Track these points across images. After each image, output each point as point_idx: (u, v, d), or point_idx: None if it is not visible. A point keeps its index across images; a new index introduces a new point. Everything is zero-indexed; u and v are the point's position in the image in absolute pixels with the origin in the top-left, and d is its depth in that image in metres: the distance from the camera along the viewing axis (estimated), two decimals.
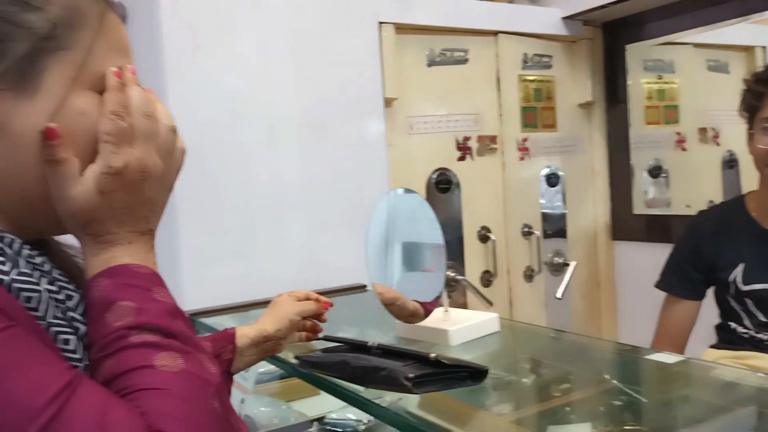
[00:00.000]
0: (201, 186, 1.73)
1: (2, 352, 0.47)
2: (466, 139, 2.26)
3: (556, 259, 2.45)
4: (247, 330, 1.01)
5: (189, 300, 1.66)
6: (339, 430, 1.47)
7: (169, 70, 1.69)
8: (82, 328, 0.56)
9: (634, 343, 1.98)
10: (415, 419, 0.97)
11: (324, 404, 1.59)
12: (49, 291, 0.55)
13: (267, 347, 1.03)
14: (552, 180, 2.46)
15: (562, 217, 2.50)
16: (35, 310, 0.53)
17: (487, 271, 2.29)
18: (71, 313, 0.56)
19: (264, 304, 1.74)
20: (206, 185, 1.74)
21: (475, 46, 2.27)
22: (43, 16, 0.56)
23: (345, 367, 0.93)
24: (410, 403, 1.00)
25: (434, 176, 2.20)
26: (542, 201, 2.45)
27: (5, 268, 0.52)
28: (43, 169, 0.56)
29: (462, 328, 1.25)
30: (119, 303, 0.55)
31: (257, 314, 1.68)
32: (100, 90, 0.59)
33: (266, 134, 1.85)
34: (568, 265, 2.36)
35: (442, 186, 2.20)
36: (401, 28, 2.09)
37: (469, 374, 0.90)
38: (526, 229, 2.38)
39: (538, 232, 2.38)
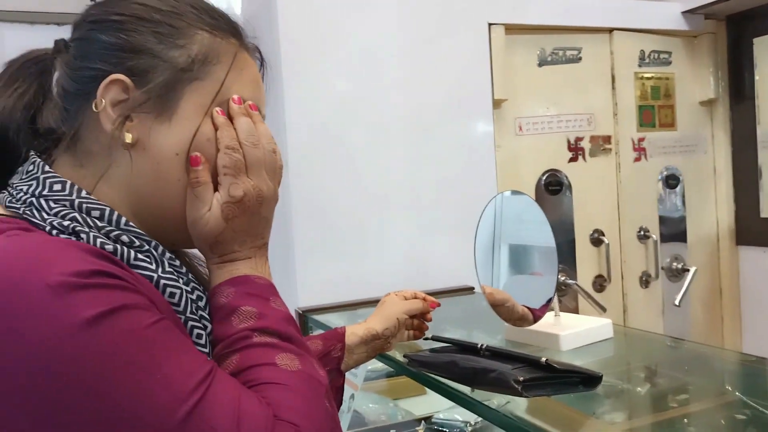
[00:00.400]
0: (313, 187, 1.79)
1: (160, 339, 0.52)
2: (578, 139, 2.20)
3: (674, 264, 2.34)
4: (356, 329, 1.03)
5: (301, 298, 1.72)
6: (446, 430, 1.48)
7: (286, 77, 1.77)
8: (209, 326, 0.63)
9: (759, 354, 1.86)
10: (523, 423, 0.97)
11: (430, 404, 1.61)
12: (186, 291, 0.61)
13: (376, 345, 1.04)
14: (671, 181, 2.35)
15: (682, 220, 2.38)
16: (177, 305, 0.59)
17: (599, 276, 2.22)
18: (201, 312, 0.63)
19: (372, 303, 1.78)
20: (318, 186, 1.80)
21: (589, 44, 2.21)
22: (185, 53, 0.64)
23: (454, 367, 0.93)
24: (518, 406, 0.99)
25: (544, 178, 2.16)
26: (660, 204, 2.34)
27: (153, 266, 0.59)
28: (178, 187, 0.63)
29: (573, 333, 1.22)
30: (243, 308, 0.62)
31: (365, 313, 1.72)
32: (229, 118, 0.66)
33: (376, 136, 1.89)
34: (687, 270, 2.25)
35: (552, 188, 2.16)
36: (511, 29, 2.07)
37: (582, 380, 0.88)
38: (642, 233, 2.28)
39: (655, 236, 2.28)
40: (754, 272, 2.39)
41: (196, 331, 0.60)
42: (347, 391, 1.54)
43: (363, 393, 1.72)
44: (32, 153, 0.63)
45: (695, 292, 2.38)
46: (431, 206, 1.94)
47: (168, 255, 0.62)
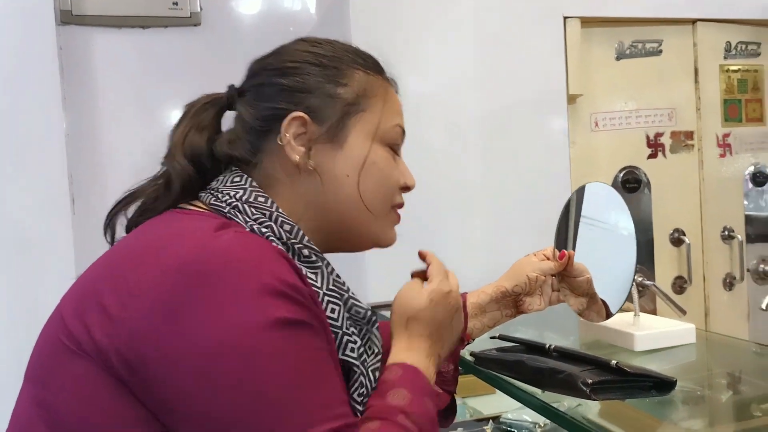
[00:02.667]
0: None
1: (320, 364, 0.62)
2: (658, 135, 2.13)
3: (761, 266, 2.23)
4: (485, 288, 1.01)
5: (371, 292, 1.73)
6: (514, 430, 1.46)
7: None
8: (358, 341, 0.70)
9: None
10: (594, 427, 0.94)
11: (498, 403, 1.59)
12: (344, 309, 0.70)
13: (507, 303, 0.98)
14: (759, 179, 2.23)
15: None
16: (335, 320, 0.68)
17: (680, 277, 2.14)
18: (367, 327, 0.72)
19: None
20: None
21: (670, 36, 2.13)
22: (349, 90, 0.76)
23: (521, 367, 0.92)
24: (590, 409, 0.96)
25: (621, 175, 2.09)
26: (746, 202, 2.23)
27: (319, 283, 0.69)
28: (348, 202, 0.76)
29: (650, 335, 1.18)
30: (401, 390, 0.69)
31: None
32: (387, 143, 0.78)
33: (451, 134, 1.88)
34: None
35: (630, 185, 2.09)
36: (587, 22, 2.01)
37: (654, 385, 0.85)
38: (726, 233, 2.18)
39: (740, 236, 2.17)
40: None
41: (350, 345, 0.68)
42: None
43: None
44: (235, 168, 0.75)
45: None
46: (506, 204, 1.92)
47: (335, 273, 0.71)
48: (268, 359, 0.58)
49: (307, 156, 0.73)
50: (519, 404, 1.15)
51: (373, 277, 1.77)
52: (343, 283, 0.72)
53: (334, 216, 0.75)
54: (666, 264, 2.12)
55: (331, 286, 0.69)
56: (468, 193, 1.89)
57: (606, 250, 1.17)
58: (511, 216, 1.90)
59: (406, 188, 0.82)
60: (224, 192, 0.72)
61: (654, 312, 2.08)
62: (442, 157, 1.86)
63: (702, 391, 1.14)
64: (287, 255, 0.66)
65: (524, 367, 0.91)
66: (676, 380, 0.85)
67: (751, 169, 2.23)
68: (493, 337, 1.08)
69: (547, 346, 0.94)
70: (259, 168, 0.75)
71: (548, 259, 1.02)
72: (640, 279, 2.09)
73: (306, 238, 0.71)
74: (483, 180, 1.90)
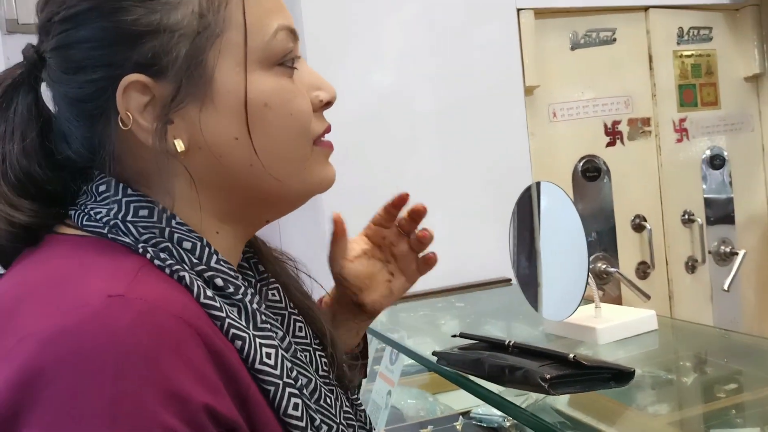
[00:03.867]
0: (346, 181, 1.78)
1: None
2: (616, 123, 2.14)
3: (722, 247, 2.26)
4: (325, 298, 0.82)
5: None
6: (484, 424, 1.46)
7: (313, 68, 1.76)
8: (310, 378, 0.57)
9: None
10: (556, 421, 0.94)
11: (469, 398, 1.58)
12: (282, 351, 0.54)
13: (349, 308, 0.78)
14: (716, 162, 2.27)
15: (729, 201, 2.29)
16: (272, 368, 0.51)
17: (643, 263, 2.16)
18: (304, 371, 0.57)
19: (407, 298, 1.78)
20: (351, 180, 1.79)
21: (624, 24, 2.15)
22: (186, 11, 0.51)
23: (481, 364, 0.92)
24: (558, 399, 0.96)
25: (581, 164, 2.10)
26: (704, 185, 2.26)
27: (243, 322, 0.52)
28: (253, 169, 0.54)
29: (612, 326, 1.18)
30: None
31: (400, 307, 1.72)
32: (274, 62, 0.54)
33: (408, 127, 1.87)
34: (736, 254, 2.16)
35: (590, 174, 2.11)
36: (541, 13, 2.02)
37: (613, 376, 0.85)
38: (686, 217, 2.21)
39: (700, 219, 2.20)
40: None
41: (293, 400, 0.51)
42: (384, 387, 1.54)
43: (401, 388, 1.71)
44: (98, 172, 0.54)
45: (745, 276, 2.29)
46: (466, 198, 1.92)
47: (255, 306, 0.53)
48: None
49: (166, 134, 0.50)
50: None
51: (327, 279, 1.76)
52: (280, 300, 0.60)
53: (243, 195, 0.55)
54: (629, 250, 2.14)
55: (260, 324, 0.52)
56: (427, 187, 1.88)
57: (559, 247, 1.17)
58: (472, 209, 1.90)
59: (327, 104, 0.60)
60: (95, 210, 0.52)
61: (619, 298, 2.10)
62: (401, 151, 1.85)
63: (665, 376, 1.15)
64: (208, 338, 0.46)
65: (484, 365, 0.91)
66: (634, 370, 0.85)
67: (708, 152, 2.26)
68: (454, 336, 1.08)
69: (507, 342, 0.94)
70: (123, 164, 0.53)
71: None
72: (604, 266, 2.12)
73: (216, 257, 0.53)
74: (443, 174, 1.89)
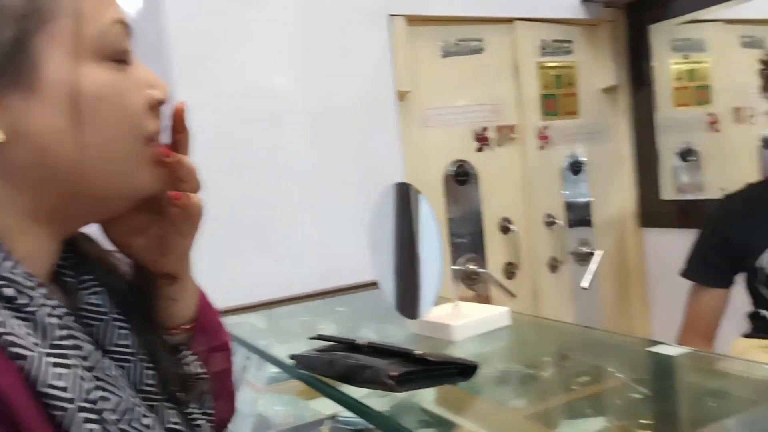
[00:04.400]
0: (215, 187, 1.73)
1: None
2: (484, 129, 2.22)
3: (581, 248, 2.40)
4: None
5: None
6: (350, 427, 1.46)
7: (178, 76, 1.70)
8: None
9: (667, 332, 1.92)
10: (425, 416, 0.96)
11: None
12: (78, 372, 0.49)
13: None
14: (575, 168, 2.40)
15: (587, 205, 2.44)
16: (63, 390, 0.47)
17: (510, 263, 2.25)
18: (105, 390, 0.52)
19: (280, 302, 1.76)
20: (220, 186, 1.75)
21: (491, 35, 2.23)
22: None
23: (333, 366, 0.91)
24: (424, 398, 0.98)
25: (452, 169, 2.17)
26: (565, 190, 2.39)
27: (38, 338, 0.47)
28: (80, 162, 0.51)
29: (467, 323, 1.22)
30: None
31: (281, 313, 1.69)
32: (107, 55, 0.52)
33: (279, 134, 1.85)
34: (593, 254, 2.30)
35: (460, 178, 2.17)
36: (413, 20, 2.06)
37: (458, 371, 0.87)
38: (549, 219, 2.33)
39: (561, 222, 2.32)
40: (658, 253, 2.47)
41: (88, 426, 0.47)
42: (250, 394, 1.50)
43: (272, 395, 1.68)
44: None
45: (603, 275, 2.44)
46: (338, 203, 1.92)
47: (52, 319, 0.49)
48: None
49: None
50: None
51: (205, 284, 1.70)
52: (102, 306, 0.56)
53: (64, 192, 0.52)
54: (497, 251, 2.22)
55: (56, 341, 0.48)
56: (301, 191, 1.87)
57: (417, 248, 1.19)
58: (347, 213, 1.90)
59: (160, 103, 0.57)
60: None
61: (488, 297, 2.18)
62: (274, 157, 1.83)
63: (523, 370, 1.20)
64: None
65: (336, 366, 0.91)
66: (476, 365, 0.87)
67: (569, 159, 2.40)
68: (311, 338, 1.07)
69: (359, 341, 0.94)
70: None
71: None
72: (474, 267, 2.19)
73: (11, 264, 0.49)
74: (316, 178, 1.88)
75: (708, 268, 1.66)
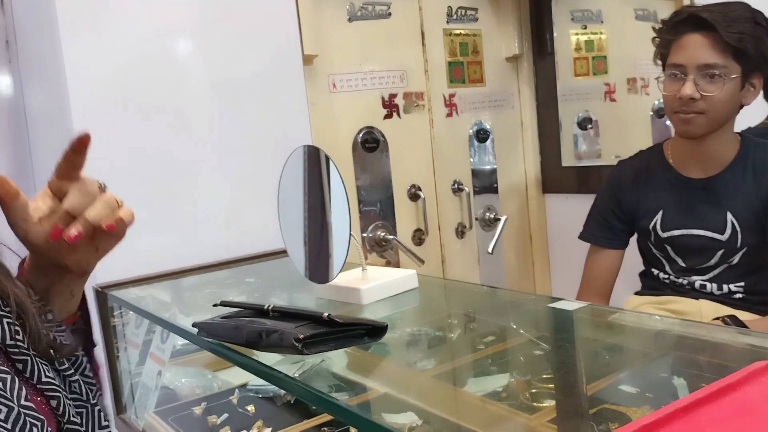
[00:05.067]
0: (109, 154, 1.64)
1: None
2: (392, 96, 2.22)
3: (487, 214, 2.45)
4: None
5: (98, 273, 1.59)
6: (260, 395, 1.44)
7: (65, 35, 1.59)
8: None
9: (567, 293, 2.01)
10: (336, 380, 0.95)
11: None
12: None
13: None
14: (481, 136, 2.44)
15: (493, 172, 2.49)
16: None
17: (418, 230, 2.27)
18: None
19: (184, 272, 1.70)
20: (117, 155, 1.66)
21: (398, 0, 2.21)
22: None
23: (239, 332, 0.89)
24: (334, 363, 0.97)
25: (360, 135, 2.15)
26: (472, 157, 2.43)
27: None
28: None
29: (375, 286, 1.22)
30: None
31: (185, 285, 1.64)
32: None
33: (180, 99, 1.77)
34: (499, 219, 2.36)
35: (369, 145, 2.16)
36: None
37: (367, 332, 0.87)
38: (456, 186, 2.36)
39: (468, 189, 2.37)
40: (558, 217, 2.57)
41: None
42: (154, 367, 1.45)
43: (178, 368, 1.64)
44: None
45: (508, 240, 2.51)
46: (245, 170, 1.86)
47: None
48: None
49: None
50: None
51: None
52: None
53: None
54: (406, 218, 2.24)
55: None
56: (204, 159, 1.80)
57: (325, 212, 1.18)
58: (248, 182, 1.86)
59: None
60: None
61: (398, 263, 2.20)
62: (177, 123, 1.75)
63: (430, 331, 1.21)
64: None
65: (242, 331, 0.88)
66: (386, 325, 0.87)
67: (475, 127, 2.43)
68: (216, 304, 1.04)
69: (266, 306, 0.92)
70: None
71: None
72: (383, 234, 2.20)
73: None
74: (221, 146, 1.82)
75: (603, 230, 1.74)
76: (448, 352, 1.19)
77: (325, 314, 0.84)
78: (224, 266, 1.75)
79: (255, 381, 1.51)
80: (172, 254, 1.72)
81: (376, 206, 2.19)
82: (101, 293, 1.54)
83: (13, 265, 0.66)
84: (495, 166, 2.49)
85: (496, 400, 0.95)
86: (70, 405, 0.61)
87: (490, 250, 2.23)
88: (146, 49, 1.71)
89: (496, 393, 0.97)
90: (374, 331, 0.87)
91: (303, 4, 1.96)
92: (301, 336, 0.80)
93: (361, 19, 2.15)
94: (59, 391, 0.60)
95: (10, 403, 0.53)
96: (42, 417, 0.56)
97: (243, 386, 1.52)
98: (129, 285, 1.57)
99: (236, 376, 1.62)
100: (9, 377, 0.55)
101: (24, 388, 0.56)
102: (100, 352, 1.60)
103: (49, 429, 0.56)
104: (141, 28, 1.71)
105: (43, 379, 0.59)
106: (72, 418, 0.61)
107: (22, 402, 0.54)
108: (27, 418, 0.54)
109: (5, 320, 0.58)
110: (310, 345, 0.81)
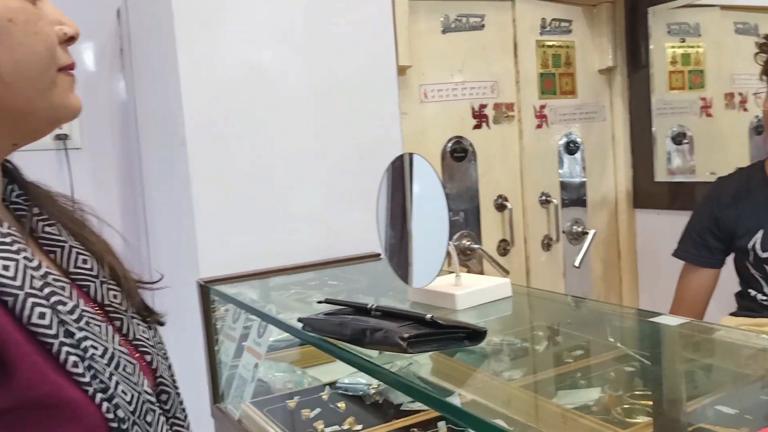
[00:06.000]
0: (215, 156, 1.74)
1: None
2: (482, 106, 2.24)
3: (575, 227, 2.43)
4: None
5: (203, 268, 1.68)
6: (350, 393, 1.49)
7: (180, 43, 1.70)
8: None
9: (656, 311, 1.96)
10: (419, 381, 0.98)
11: (338, 370, 1.61)
12: (27, 263, 0.54)
13: None
14: (571, 148, 2.43)
15: (582, 185, 2.47)
16: (47, 327, 0.52)
17: (504, 240, 2.28)
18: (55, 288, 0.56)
19: (280, 271, 1.77)
20: (220, 155, 1.76)
21: (492, 12, 2.24)
22: None
23: (344, 328, 0.93)
24: (421, 367, 1.00)
25: (449, 145, 2.18)
26: (561, 169, 2.42)
27: (18, 282, 0.52)
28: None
29: (470, 293, 1.24)
30: None
31: (276, 283, 1.71)
32: None
33: (279, 104, 1.85)
34: (587, 233, 2.34)
35: (457, 155, 2.19)
36: None
37: (467, 335, 0.90)
38: (543, 198, 2.35)
39: (556, 201, 2.35)
40: (648, 233, 2.51)
41: (71, 359, 0.52)
42: (251, 360, 1.53)
43: (271, 362, 1.71)
44: None
45: (595, 255, 2.48)
46: (338, 175, 1.93)
47: (3, 231, 0.54)
48: None
49: None
50: (354, 369, 1.17)
51: (203, 252, 1.72)
52: (59, 235, 0.63)
53: None
54: (491, 228, 2.25)
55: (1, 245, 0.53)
56: (297, 164, 1.87)
57: (424, 218, 1.21)
58: (343, 186, 1.92)
59: (70, 40, 0.62)
60: None
61: (481, 273, 2.21)
62: (270, 126, 1.83)
63: (520, 341, 1.22)
64: None
65: (347, 328, 0.93)
66: (485, 330, 0.90)
67: (565, 138, 2.42)
68: (320, 302, 1.09)
69: (369, 306, 0.96)
70: None
71: None
72: (468, 243, 2.22)
73: None
74: (314, 151, 1.89)
75: (699, 249, 1.70)
76: (540, 361, 1.19)
77: (428, 316, 0.87)
78: (312, 268, 1.81)
79: (344, 379, 1.56)
80: (267, 253, 1.79)
81: (462, 215, 2.21)
82: (204, 287, 1.63)
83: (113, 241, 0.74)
84: (584, 179, 2.47)
85: (586, 413, 0.95)
86: (161, 362, 0.67)
87: (577, 264, 2.21)
88: (251, 57, 1.81)
89: (586, 406, 0.97)
90: (474, 335, 0.90)
91: (399, 17, 2.01)
92: (406, 335, 0.83)
93: (454, 31, 2.18)
94: (152, 349, 0.66)
95: (105, 344, 0.57)
96: (135, 361, 0.62)
97: (332, 384, 1.57)
98: (230, 281, 1.65)
99: (325, 373, 1.67)
100: (104, 325, 0.60)
101: (118, 336, 0.61)
102: (199, 343, 1.70)
103: (142, 374, 0.61)
104: (248, 37, 1.80)
105: (138, 336, 0.66)
106: (164, 374, 0.67)
107: (116, 346, 0.59)
108: (121, 359, 0.58)
109: (105, 285, 0.65)
110: (413, 344, 0.84)
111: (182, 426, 0.67)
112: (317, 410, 1.42)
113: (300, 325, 1.05)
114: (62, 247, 0.64)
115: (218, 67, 1.75)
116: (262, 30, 1.82)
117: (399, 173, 1.26)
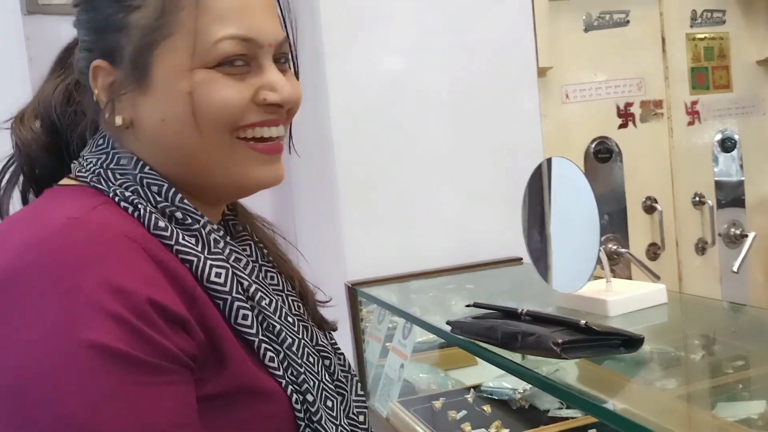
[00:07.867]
0: (360, 161, 1.81)
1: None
2: (628, 105, 2.16)
3: (732, 230, 2.27)
4: None
5: (350, 271, 1.75)
6: (495, 397, 1.49)
7: (328, 50, 1.78)
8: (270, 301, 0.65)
9: None
10: (570, 388, 0.97)
11: (479, 373, 1.62)
12: (236, 271, 0.63)
13: None
14: (727, 145, 2.28)
15: (740, 184, 2.30)
16: (222, 285, 0.60)
17: (653, 244, 2.18)
18: (262, 291, 0.65)
19: (421, 275, 1.81)
20: (365, 160, 1.82)
21: (637, 7, 2.15)
22: (145, 13, 0.59)
23: (494, 332, 0.94)
24: (567, 374, 0.99)
25: (593, 146, 2.12)
26: (716, 168, 2.27)
27: (198, 249, 0.61)
28: (188, 151, 0.62)
29: (623, 299, 1.21)
30: None
31: (417, 286, 1.75)
32: (215, 65, 0.60)
33: (421, 108, 1.89)
34: (746, 236, 2.18)
35: (602, 156, 2.13)
36: None
37: (623, 342, 0.88)
38: (697, 199, 2.22)
39: (710, 202, 2.22)
40: None
41: (242, 312, 0.60)
42: (397, 360, 1.57)
43: (413, 363, 1.74)
44: (102, 129, 0.64)
45: (755, 258, 2.30)
46: (479, 178, 1.93)
47: (214, 236, 0.63)
48: (64, 384, 0.48)
49: (111, 110, 0.61)
50: (499, 372, 1.17)
51: (350, 255, 1.79)
52: (251, 254, 0.70)
53: (181, 168, 0.63)
54: (639, 231, 2.16)
55: (213, 249, 0.61)
56: (439, 167, 1.90)
57: (572, 222, 1.19)
58: (484, 190, 1.92)
59: (273, 105, 0.63)
60: (89, 159, 0.63)
61: (629, 278, 2.12)
62: (412, 130, 1.87)
63: (673, 349, 1.17)
64: (154, 252, 0.56)
65: (497, 332, 0.93)
66: (643, 337, 0.87)
67: (719, 135, 2.27)
68: (468, 305, 1.10)
69: (520, 310, 0.96)
70: (117, 125, 0.62)
71: None
72: (615, 247, 2.14)
73: (180, 197, 0.62)
74: (455, 154, 1.91)
75: None
76: (697, 371, 1.13)
77: (582, 321, 0.86)
78: (453, 272, 1.83)
79: (489, 383, 1.56)
80: (409, 257, 1.83)
81: (608, 218, 2.14)
82: (352, 290, 1.69)
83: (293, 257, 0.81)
84: (742, 178, 2.30)
85: (749, 427, 0.89)
86: (339, 366, 0.74)
87: (735, 269, 2.07)
88: (392, 65, 1.86)
89: (750, 420, 0.91)
90: (630, 342, 0.88)
91: (539, 17, 1.99)
92: (560, 340, 0.83)
93: (597, 29, 2.12)
94: (331, 354, 0.73)
95: (298, 336, 0.67)
96: (331, 356, 0.72)
97: (476, 387, 1.58)
98: (375, 284, 1.71)
99: (467, 376, 1.68)
100: (295, 319, 0.69)
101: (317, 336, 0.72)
102: (347, 342, 1.77)
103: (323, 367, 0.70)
104: (389, 45, 1.86)
105: (320, 341, 0.72)
106: (340, 377, 0.73)
107: (305, 338, 0.69)
108: (306, 349, 0.67)
109: (290, 298, 0.72)
110: (567, 350, 0.83)
111: (363, 408, 0.74)
112: (463, 412, 1.44)
113: (448, 328, 1.08)
114: (255, 266, 0.71)
115: (362, 75, 1.82)
116: (402, 38, 1.87)
117: (546, 177, 1.25)
